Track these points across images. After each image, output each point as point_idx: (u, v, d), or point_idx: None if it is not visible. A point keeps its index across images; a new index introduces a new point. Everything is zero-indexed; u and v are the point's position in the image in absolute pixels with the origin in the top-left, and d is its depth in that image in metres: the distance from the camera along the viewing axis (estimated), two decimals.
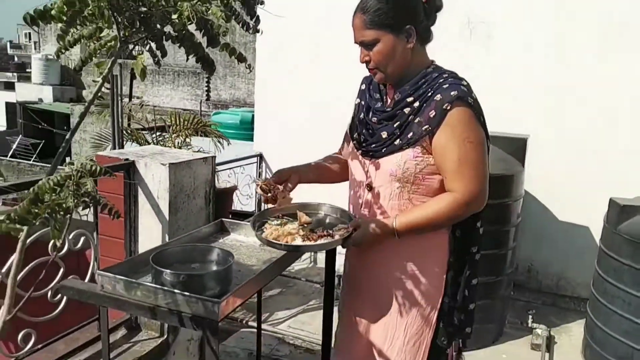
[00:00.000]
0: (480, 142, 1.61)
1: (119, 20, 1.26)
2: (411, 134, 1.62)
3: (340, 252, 1.96)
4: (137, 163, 2.42)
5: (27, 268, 2.00)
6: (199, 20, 1.29)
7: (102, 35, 1.48)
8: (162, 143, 4.36)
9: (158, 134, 4.70)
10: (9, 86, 22.13)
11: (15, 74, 23.05)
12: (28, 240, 1.81)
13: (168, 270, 1.51)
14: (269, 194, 1.74)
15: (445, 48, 3.88)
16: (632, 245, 2.72)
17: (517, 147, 3.39)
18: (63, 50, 1.46)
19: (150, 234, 2.46)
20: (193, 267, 1.69)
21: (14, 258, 1.19)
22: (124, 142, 3.61)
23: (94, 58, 1.61)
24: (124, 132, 3.77)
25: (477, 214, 1.69)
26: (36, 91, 20.18)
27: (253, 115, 6.16)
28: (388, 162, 1.65)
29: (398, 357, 1.74)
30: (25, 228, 1.09)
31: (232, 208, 4.17)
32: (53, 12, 1.37)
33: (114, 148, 3.40)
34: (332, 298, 2.15)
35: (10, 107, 21.33)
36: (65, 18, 1.34)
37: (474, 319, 1.79)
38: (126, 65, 7.32)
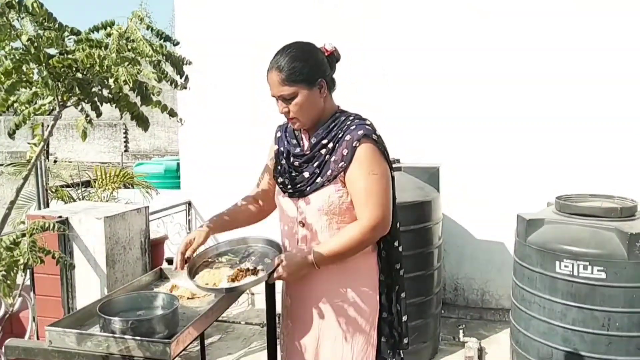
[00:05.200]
0: (384, 174, 1.81)
1: (59, 86, 1.34)
2: (330, 171, 1.80)
3: (279, 291, 2.06)
4: (70, 219, 2.43)
5: None
6: (134, 82, 1.40)
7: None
8: (88, 198, 4.29)
9: (83, 189, 4.62)
10: None
11: None
12: None
13: (117, 318, 1.56)
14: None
15: (362, 91, 4.21)
16: (540, 255, 3.02)
17: (430, 175, 3.67)
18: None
19: (87, 289, 2.46)
20: (139, 313, 1.74)
21: None
22: (49, 201, 3.54)
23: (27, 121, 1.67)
24: (48, 190, 3.71)
25: (395, 236, 1.89)
26: None
27: (178, 164, 6.14)
28: (314, 199, 1.82)
29: None
30: None
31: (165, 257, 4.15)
32: None
33: (40, 207, 3.35)
34: (274, 336, 2.20)
35: None
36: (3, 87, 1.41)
37: (409, 333, 1.97)
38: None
